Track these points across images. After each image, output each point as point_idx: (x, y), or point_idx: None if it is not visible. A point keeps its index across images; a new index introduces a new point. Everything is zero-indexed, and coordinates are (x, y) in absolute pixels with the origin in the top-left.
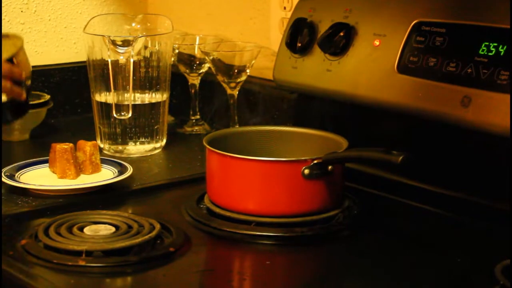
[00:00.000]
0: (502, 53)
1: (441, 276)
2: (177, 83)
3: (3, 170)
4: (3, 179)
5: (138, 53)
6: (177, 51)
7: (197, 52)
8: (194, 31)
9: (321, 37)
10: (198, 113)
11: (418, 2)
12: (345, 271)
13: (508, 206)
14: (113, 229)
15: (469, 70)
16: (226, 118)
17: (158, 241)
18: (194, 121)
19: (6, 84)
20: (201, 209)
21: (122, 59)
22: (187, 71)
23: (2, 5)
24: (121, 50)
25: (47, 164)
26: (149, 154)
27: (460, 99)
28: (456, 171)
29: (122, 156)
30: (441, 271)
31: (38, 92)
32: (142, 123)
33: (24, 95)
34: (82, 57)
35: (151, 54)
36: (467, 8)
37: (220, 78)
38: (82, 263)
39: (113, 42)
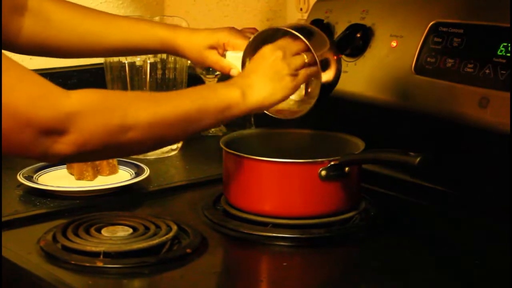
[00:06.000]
0: None
1: (459, 279)
2: (194, 85)
3: (22, 172)
4: (21, 180)
5: (155, 55)
6: None
7: None
8: None
9: (338, 38)
10: None
11: (435, 2)
12: (362, 272)
13: None
14: (130, 230)
15: (487, 71)
16: (242, 120)
17: (175, 242)
18: None
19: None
20: (217, 211)
21: (139, 61)
22: (204, 73)
23: None
24: None
25: (65, 165)
26: (166, 155)
27: (478, 100)
28: (474, 172)
29: (139, 157)
30: (459, 273)
31: None
32: None
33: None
34: (100, 59)
35: (167, 56)
36: (485, 8)
37: None
38: (99, 264)
39: None
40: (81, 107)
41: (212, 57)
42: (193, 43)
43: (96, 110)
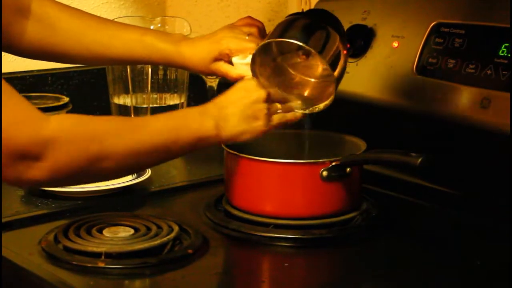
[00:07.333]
0: None
1: (460, 279)
2: (195, 85)
3: None
4: None
5: None
6: None
7: None
8: None
9: None
10: None
11: (437, 3)
12: (363, 273)
13: None
14: (132, 231)
15: (488, 72)
16: None
17: (177, 243)
18: None
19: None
20: (219, 211)
21: None
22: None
23: None
24: None
25: None
26: None
27: (480, 101)
28: (476, 173)
29: None
30: (460, 274)
31: (57, 95)
32: None
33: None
34: None
35: None
36: (486, 9)
37: None
38: (101, 264)
39: None
40: (58, 134)
41: (221, 68)
42: (198, 59)
43: (73, 138)
